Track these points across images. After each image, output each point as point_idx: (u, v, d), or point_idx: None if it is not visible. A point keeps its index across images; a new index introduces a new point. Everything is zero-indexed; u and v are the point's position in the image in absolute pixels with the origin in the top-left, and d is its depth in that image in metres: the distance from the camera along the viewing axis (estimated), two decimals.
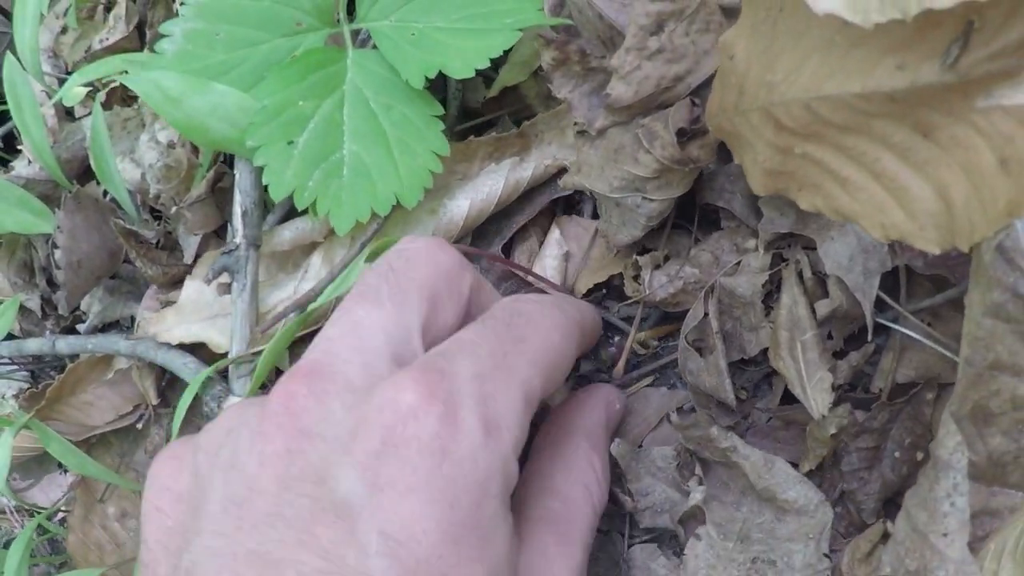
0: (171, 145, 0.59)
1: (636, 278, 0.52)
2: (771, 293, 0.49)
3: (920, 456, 0.46)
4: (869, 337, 0.46)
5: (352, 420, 0.31)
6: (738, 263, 0.49)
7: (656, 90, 0.47)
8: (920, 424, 0.46)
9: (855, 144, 0.35)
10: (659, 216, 0.50)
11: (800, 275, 0.47)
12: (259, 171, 0.51)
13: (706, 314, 0.49)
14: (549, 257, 0.54)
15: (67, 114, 0.72)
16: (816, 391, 0.45)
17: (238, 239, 0.53)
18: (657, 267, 0.52)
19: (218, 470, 0.33)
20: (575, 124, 0.51)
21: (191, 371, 0.56)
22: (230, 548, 0.30)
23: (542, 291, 0.54)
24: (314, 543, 0.29)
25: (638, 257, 0.52)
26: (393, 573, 0.29)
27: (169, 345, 0.57)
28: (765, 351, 0.48)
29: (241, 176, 0.55)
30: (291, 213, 0.56)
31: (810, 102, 0.35)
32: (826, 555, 0.44)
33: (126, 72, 0.56)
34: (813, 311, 0.46)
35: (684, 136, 0.46)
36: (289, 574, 0.29)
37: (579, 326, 0.42)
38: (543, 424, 0.47)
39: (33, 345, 0.68)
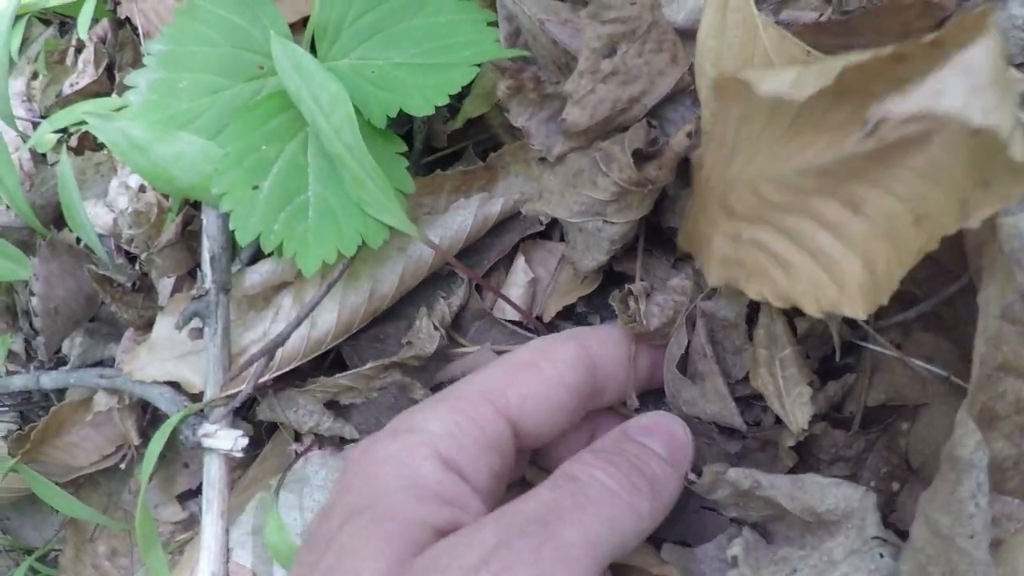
0: (142, 189, 0.60)
1: (626, 310, 0.51)
2: (751, 316, 0.49)
3: (896, 486, 0.45)
4: (838, 357, 0.46)
5: None
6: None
7: (612, 112, 0.47)
8: (896, 455, 0.46)
9: (794, 224, 0.37)
10: (622, 239, 0.50)
11: None
12: (226, 216, 0.52)
13: (689, 341, 0.48)
14: (515, 285, 0.54)
15: (43, 157, 0.73)
16: (795, 406, 0.45)
17: (207, 284, 0.54)
18: (646, 296, 0.51)
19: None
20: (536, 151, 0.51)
21: (167, 400, 0.57)
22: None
23: (522, 328, 0.55)
24: None
25: (630, 287, 0.50)
26: None
27: None
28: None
29: (208, 221, 0.55)
30: (260, 254, 0.56)
31: (759, 184, 0.38)
32: (875, 537, 0.41)
33: (93, 120, 0.56)
34: (792, 328, 0.46)
35: (641, 157, 0.47)
36: None
37: (581, 363, 0.42)
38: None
39: (19, 381, 0.69)
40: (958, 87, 0.28)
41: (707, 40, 0.43)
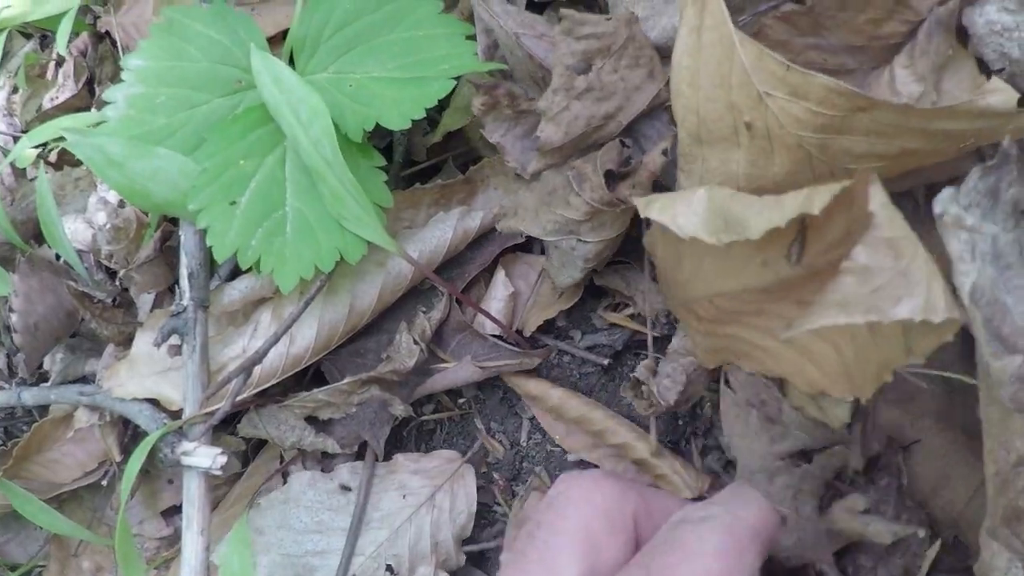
0: (120, 204, 0.59)
1: (641, 397, 0.49)
2: None
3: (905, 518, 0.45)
4: None
5: None
6: None
7: (587, 129, 0.47)
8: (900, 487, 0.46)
9: (759, 322, 0.38)
10: (596, 257, 0.50)
11: None
12: (203, 232, 0.51)
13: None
14: (495, 299, 0.54)
15: (24, 172, 0.72)
16: (833, 405, 0.44)
17: (185, 301, 0.53)
18: (654, 374, 0.49)
19: None
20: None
21: (146, 417, 0.56)
22: None
23: (503, 341, 0.54)
24: None
25: (635, 375, 0.49)
26: None
27: None
28: None
29: (186, 238, 0.55)
30: (239, 270, 0.56)
31: (711, 298, 0.39)
32: None
33: (70, 137, 0.56)
34: None
35: (614, 177, 0.46)
36: None
37: (755, 534, 0.36)
38: None
39: (0, 398, 0.68)
40: (860, 295, 0.29)
41: (682, 59, 0.42)
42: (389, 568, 0.53)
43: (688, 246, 0.40)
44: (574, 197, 0.46)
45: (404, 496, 0.55)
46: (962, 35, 0.43)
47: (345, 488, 0.55)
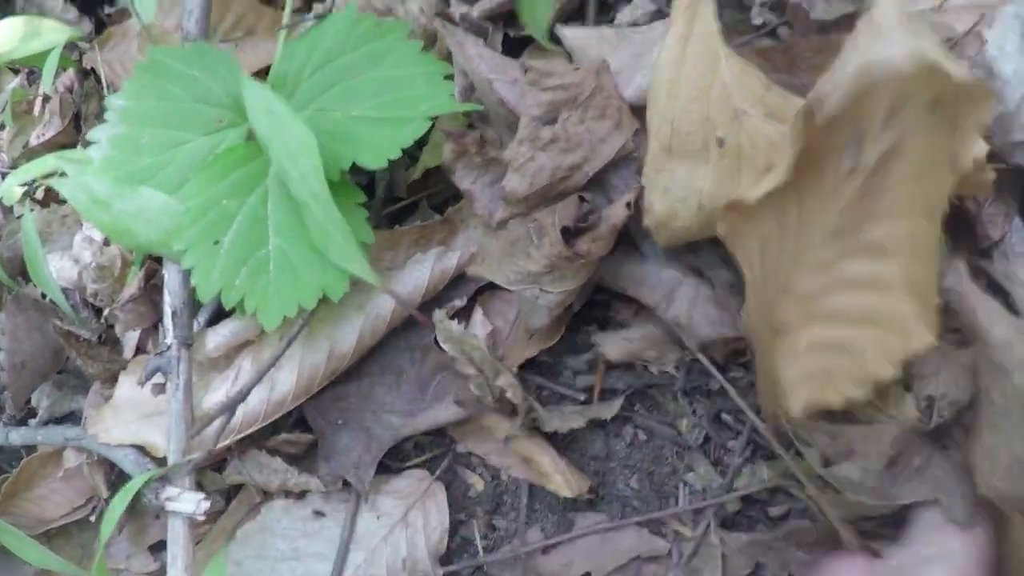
0: (105, 242, 0.60)
1: None
2: None
3: None
4: None
5: None
6: None
7: (552, 180, 0.47)
8: None
9: (838, 301, 0.39)
10: (560, 306, 0.50)
11: None
12: (187, 272, 0.52)
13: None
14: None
15: (11, 210, 0.72)
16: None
17: (169, 340, 0.54)
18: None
19: None
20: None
21: (131, 462, 0.56)
22: None
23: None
24: None
25: None
26: None
27: None
28: None
29: (169, 276, 0.55)
30: (222, 309, 0.56)
31: (794, 287, 0.40)
32: None
33: (57, 175, 0.56)
34: None
35: (573, 232, 0.46)
36: None
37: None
38: None
39: None
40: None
41: (664, 69, 0.43)
42: None
43: (770, 238, 0.41)
44: (534, 250, 0.46)
45: (378, 517, 0.55)
46: None
47: (319, 514, 0.56)
